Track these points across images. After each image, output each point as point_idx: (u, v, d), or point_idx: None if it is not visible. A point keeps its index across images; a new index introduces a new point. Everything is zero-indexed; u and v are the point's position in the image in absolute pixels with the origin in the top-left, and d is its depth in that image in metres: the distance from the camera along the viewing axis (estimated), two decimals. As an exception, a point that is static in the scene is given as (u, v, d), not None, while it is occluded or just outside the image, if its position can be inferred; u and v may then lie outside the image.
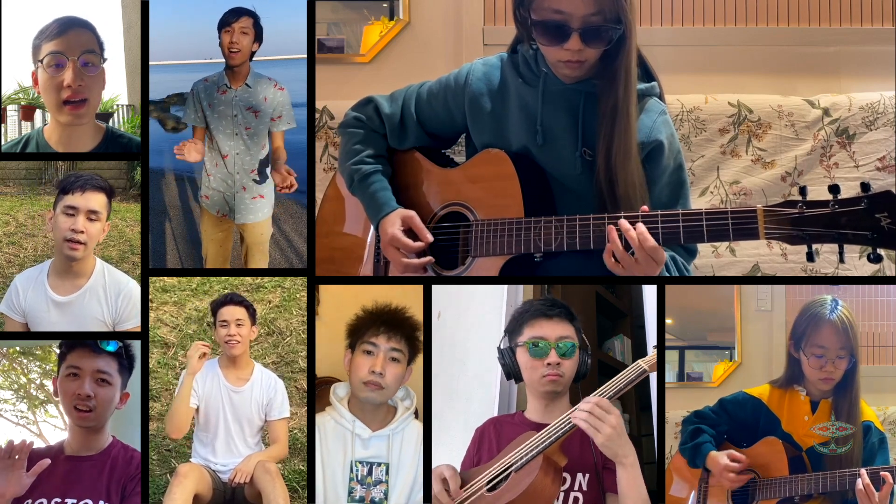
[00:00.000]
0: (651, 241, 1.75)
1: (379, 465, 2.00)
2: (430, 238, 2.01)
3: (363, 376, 1.99)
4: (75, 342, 2.01)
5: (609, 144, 1.88)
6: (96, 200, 2.06)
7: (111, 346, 2.00)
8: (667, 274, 1.92)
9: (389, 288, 2.10)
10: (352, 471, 1.99)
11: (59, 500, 1.95)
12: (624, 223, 1.77)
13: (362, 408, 2.02)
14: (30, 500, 1.93)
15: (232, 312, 2.19)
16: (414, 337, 2.04)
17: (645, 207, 1.80)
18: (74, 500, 1.96)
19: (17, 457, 1.91)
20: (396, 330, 2.02)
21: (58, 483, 1.96)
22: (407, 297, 2.06)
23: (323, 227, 2.24)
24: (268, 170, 2.37)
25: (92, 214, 2.06)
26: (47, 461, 1.92)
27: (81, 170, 2.37)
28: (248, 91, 2.36)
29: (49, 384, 2.42)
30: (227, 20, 2.30)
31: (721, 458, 2.05)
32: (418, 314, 2.05)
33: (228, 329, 2.18)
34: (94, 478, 1.98)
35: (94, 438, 2.01)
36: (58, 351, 2.06)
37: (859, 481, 1.89)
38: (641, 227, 1.76)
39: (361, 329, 2.03)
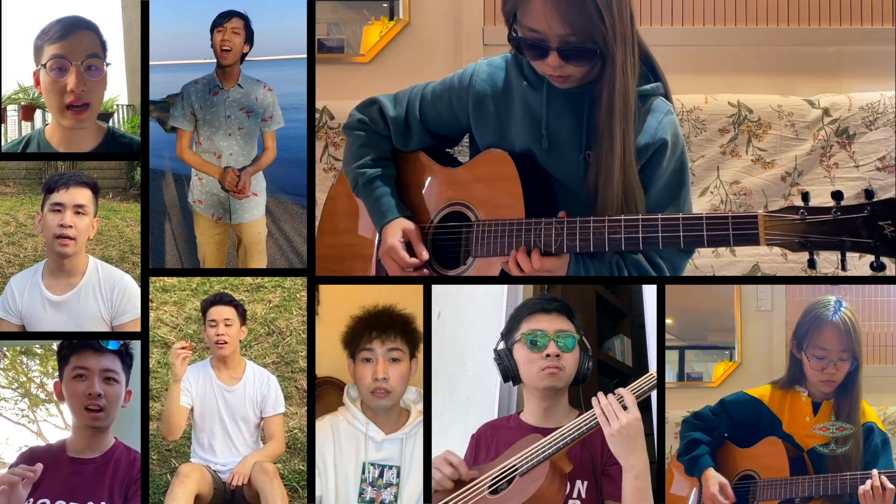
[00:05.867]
0: (549, 265, 1.82)
1: (390, 468, 2.00)
2: (426, 256, 2.01)
3: (368, 385, 1.99)
4: (76, 343, 2.01)
5: (597, 160, 1.88)
6: (81, 195, 2.07)
7: (113, 345, 2.01)
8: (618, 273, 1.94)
9: (389, 288, 2.10)
10: (363, 472, 2.00)
11: (62, 502, 1.95)
12: (520, 260, 1.83)
13: (375, 411, 2.03)
14: (31, 501, 1.93)
15: (220, 312, 2.19)
16: (410, 331, 2.03)
17: (562, 213, 1.83)
18: None
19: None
20: (389, 330, 2.01)
21: (60, 485, 1.96)
22: (407, 298, 2.06)
23: (329, 226, 2.24)
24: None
25: (79, 209, 2.07)
26: (39, 467, 1.88)
27: (82, 169, 2.37)
28: (241, 91, 2.37)
29: (50, 383, 2.42)
30: (219, 21, 2.33)
31: (713, 486, 2.05)
32: (411, 308, 2.04)
33: (217, 329, 2.18)
34: (97, 480, 1.98)
35: (99, 439, 2.01)
36: (55, 350, 2.06)
37: (864, 484, 1.89)
38: (535, 256, 1.82)
39: (355, 337, 2.03)
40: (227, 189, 2.36)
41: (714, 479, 2.06)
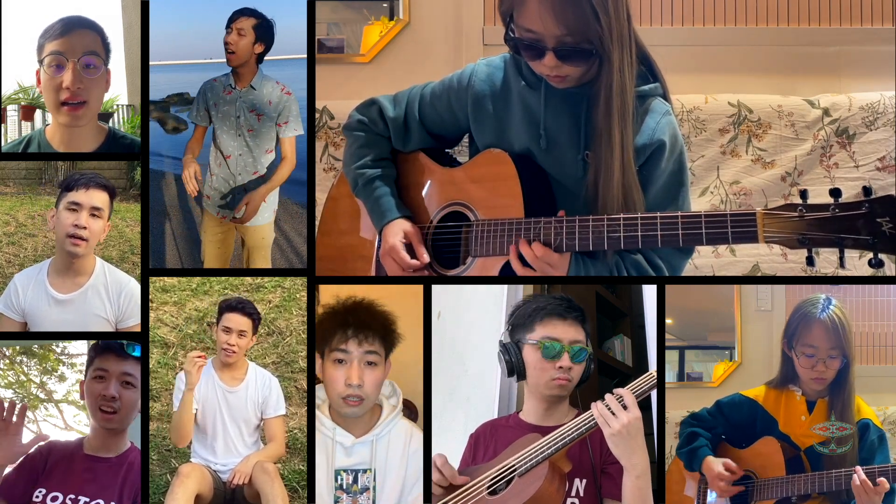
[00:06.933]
0: (551, 258, 1.81)
1: (364, 471, 1.93)
2: (427, 259, 2.00)
3: (340, 391, 1.90)
4: (102, 345, 2.04)
5: (596, 160, 1.88)
6: (99, 198, 2.08)
7: (136, 352, 2.04)
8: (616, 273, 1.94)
9: (388, 288, 2.10)
10: (336, 480, 1.94)
11: (73, 496, 1.98)
12: (522, 250, 1.83)
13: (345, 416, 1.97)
14: (43, 490, 1.97)
15: (237, 322, 2.16)
16: (389, 331, 1.93)
17: (562, 212, 1.83)
18: (87, 499, 1.98)
19: (12, 419, 1.95)
20: (367, 329, 1.90)
21: (74, 479, 2.00)
22: (407, 297, 2.06)
23: (330, 226, 2.24)
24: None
25: (95, 211, 2.07)
26: (47, 435, 1.94)
27: (82, 169, 2.37)
28: (252, 93, 2.34)
29: (49, 383, 2.44)
30: (229, 20, 2.30)
31: (716, 466, 2.05)
32: (392, 305, 1.95)
33: (230, 338, 2.16)
34: (110, 480, 2.01)
35: (114, 441, 2.05)
36: (59, 349, 2.07)
37: (855, 477, 1.89)
38: (537, 246, 1.81)
39: (327, 333, 1.92)
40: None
41: (715, 463, 2.05)
